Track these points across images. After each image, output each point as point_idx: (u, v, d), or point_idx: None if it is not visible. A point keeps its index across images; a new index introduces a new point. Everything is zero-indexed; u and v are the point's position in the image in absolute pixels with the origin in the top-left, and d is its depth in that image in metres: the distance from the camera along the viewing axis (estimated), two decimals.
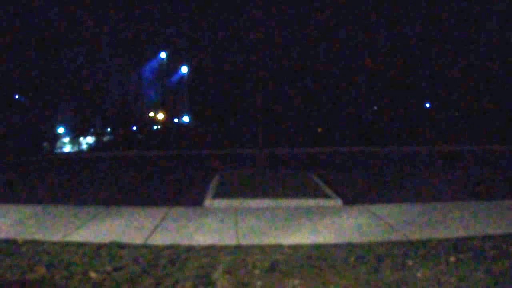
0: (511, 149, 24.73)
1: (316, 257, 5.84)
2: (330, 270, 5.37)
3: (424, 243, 6.49)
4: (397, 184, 12.54)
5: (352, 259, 5.73)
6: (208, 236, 7.11)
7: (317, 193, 10.40)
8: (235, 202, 9.64)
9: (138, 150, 31.12)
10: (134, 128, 46.03)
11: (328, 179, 12.95)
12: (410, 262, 5.57)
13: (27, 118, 35.81)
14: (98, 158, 24.94)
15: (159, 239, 6.95)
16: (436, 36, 35.93)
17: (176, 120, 48.71)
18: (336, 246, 6.40)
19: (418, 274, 5.18)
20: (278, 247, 6.34)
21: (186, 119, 45.86)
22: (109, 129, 46.56)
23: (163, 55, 44.02)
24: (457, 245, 6.32)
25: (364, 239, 6.78)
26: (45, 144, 35.97)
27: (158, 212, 8.88)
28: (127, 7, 42.63)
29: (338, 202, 9.66)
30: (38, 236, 7.10)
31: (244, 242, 6.75)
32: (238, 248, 6.39)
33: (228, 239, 6.91)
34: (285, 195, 10.10)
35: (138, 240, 6.88)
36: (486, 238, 6.67)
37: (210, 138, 34.38)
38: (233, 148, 28.65)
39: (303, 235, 7.08)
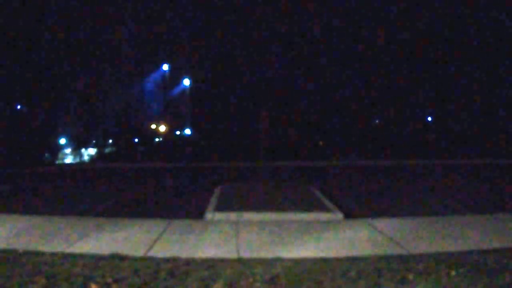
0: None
1: (317, 270, 5.83)
2: (330, 283, 5.35)
3: (424, 257, 6.48)
4: (398, 198, 12.53)
5: (353, 273, 5.72)
6: (208, 249, 7.10)
7: (318, 207, 10.41)
8: (236, 215, 9.64)
9: (140, 162, 31.15)
10: (136, 140, 46.06)
11: (329, 192, 12.95)
12: (410, 276, 5.55)
13: (29, 129, 35.89)
14: (99, 169, 24.95)
15: (160, 251, 6.94)
16: (439, 49, 36.04)
17: (178, 132, 48.76)
18: (336, 259, 6.39)
19: None
20: (279, 261, 6.33)
21: (188, 131, 45.88)
22: (110, 141, 46.60)
23: (165, 67, 44.21)
24: (457, 259, 6.30)
25: (365, 253, 6.77)
26: (47, 154, 36.03)
27: (159, 225, 8.88)
28: (130, 19, 42.89)
29: (339, 215, 9.65)
30: (39, 247, 7.11)
31: (245, 255, 6.74)
32: (238, 261, 6.38)
33: (229, 252, 6.91)
34: (286, 209, 10.10)
35: (138, 252, 6.88)
36: (486, 252, 6.65)
37: (212, 151, 34.39)
38: (235, 161, 28.65)
39: (303, 249, 7.07)
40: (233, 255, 6.76)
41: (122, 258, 6.48)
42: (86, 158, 40.58)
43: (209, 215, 9.74)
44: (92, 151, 43.14)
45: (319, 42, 36.62)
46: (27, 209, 10.86)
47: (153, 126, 47.91)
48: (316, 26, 36.17)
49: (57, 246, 7.23)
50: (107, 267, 6.03)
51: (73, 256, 6.60)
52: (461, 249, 6.93)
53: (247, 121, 35.53)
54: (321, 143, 38.86)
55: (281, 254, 6.72)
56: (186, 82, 43.65)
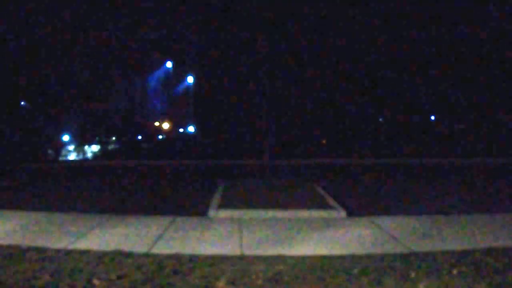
0: None
1: (319, 268, 5.84)
2: (333, 281, 5.37)
3: (427, 255, 6.48)
4: (401, 196, 12.52)
5: (356, 270, 5.73)
6: (212, 246, 7.13)
7: (321, 205, 10.41)
8: (239, 213, 9.65)
9: (143, 159, 31.18)
10: (139, 137, 46.07)
11: (332, 190, 12.94)
12: (413, 274, 5.56)
13: (32, 125, 35.91)
14: (103, 166, 25.01)
15: (163, 248, 6.97)
16: (442, 45, 35.88)
17: (181, 130, 48.77)
18: (339, 257, 6.40)
19: (421, 286, 5.17)
20: (282, 258, 6.35)
21: (191, 129, 45.89)
22: (114, 138, 46.61)
23: (169, 64, 44.29)
24: (460, 257, 6.30)
25: (368, 251, 6.78)
26: (50, 151, 36.08)
27: (162, 221, 8.91)
28: (134, 16, 42.90)
29: (342, 213, 9.66)
30: (42, 243, 7.13)
31: (248, 252, 6.76)
32: (241, 258, 6.40)
33: (232, 250, 6.93)
34: (289, 206, 10.10)
35: (142, 248, 6.90)
36: (489, 251, 6.65)
37: (215, 148, 34.40)
38: (238, 159, 28.65)
39: (306, 246, 7.08)
40: (236, 252, 6.78)
41: (125, 254, 6.50)
42: (89, 155, 40.56)
43: (212, 212, 9.75)
44: (95, 148, 43.10)
45: (324, 39, 36.52)
46: (30, 205, 10.89)
47: (157, 124, 48.00)
48: (322, 23, 36.08)
49: (61, 242, 7.26)
50: (110, 263, 6.06)
51: (76, 252, 6.63)
52: (464, 248, 6.92)
53: (250, 119, 35.51)
54: (323, 141, 38.79)
55: (284, 251, 6.73)
56: (190, 79, 43.70)
